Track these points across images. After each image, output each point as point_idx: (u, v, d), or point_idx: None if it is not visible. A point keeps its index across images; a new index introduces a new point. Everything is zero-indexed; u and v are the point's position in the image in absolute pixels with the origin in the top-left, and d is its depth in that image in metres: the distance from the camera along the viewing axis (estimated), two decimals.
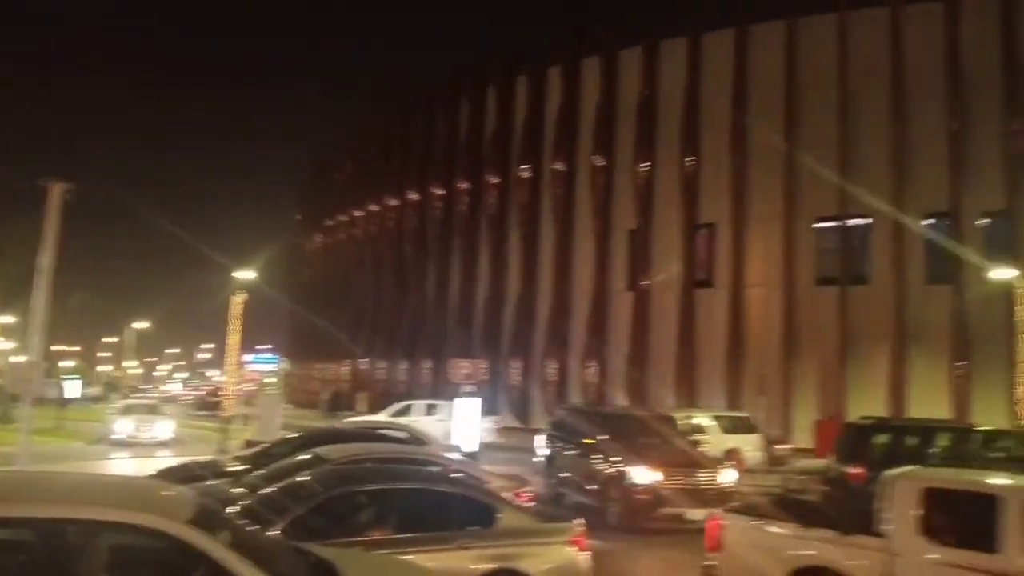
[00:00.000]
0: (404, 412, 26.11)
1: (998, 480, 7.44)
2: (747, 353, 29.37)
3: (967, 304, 26.13)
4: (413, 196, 42.82)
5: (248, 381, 53.75)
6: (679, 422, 18.55)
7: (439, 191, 40.78)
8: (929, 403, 25.38)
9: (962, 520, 6.58)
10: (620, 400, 30.49)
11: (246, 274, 26.72)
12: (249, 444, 15.31)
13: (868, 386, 26.93)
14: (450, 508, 7.17)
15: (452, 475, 8.64)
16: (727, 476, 13.42)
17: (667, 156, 31.90)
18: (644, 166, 32.55)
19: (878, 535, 6.78)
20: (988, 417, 23.18)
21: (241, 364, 51.15)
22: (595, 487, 13.58)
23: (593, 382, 32.56)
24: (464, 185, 38.93)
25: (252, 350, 57.16)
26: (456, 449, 15.28)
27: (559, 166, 35.07)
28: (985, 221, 27.03)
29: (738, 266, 30.04)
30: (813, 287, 28.94)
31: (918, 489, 6.83)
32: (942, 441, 15.18)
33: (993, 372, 24.96)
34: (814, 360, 28.23)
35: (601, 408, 21.84)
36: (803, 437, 26.00)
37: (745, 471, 17.80)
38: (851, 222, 28.60)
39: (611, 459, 13.39)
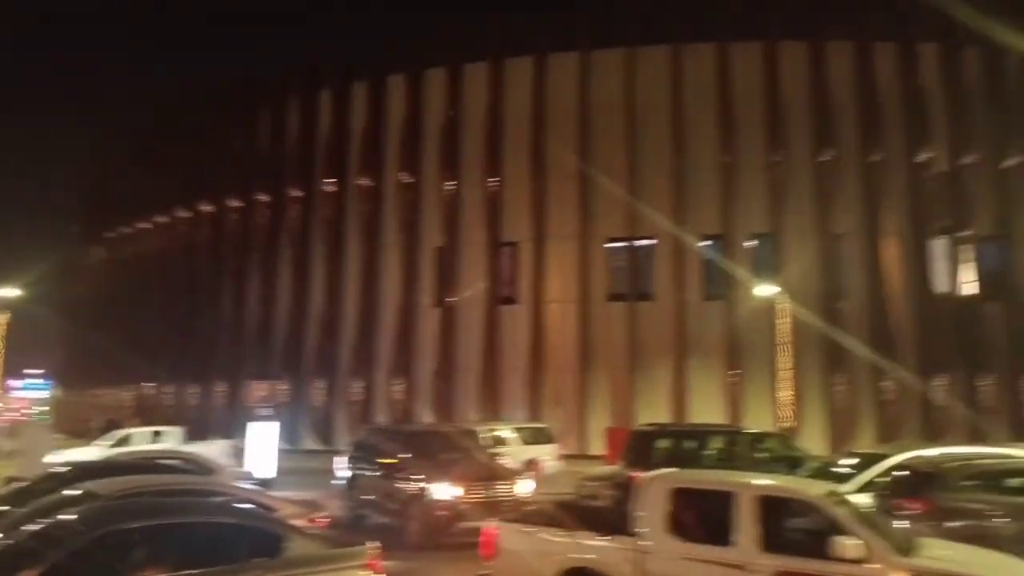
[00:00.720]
0: (125, 441, 21.83)
1: (735, 477, 8.16)
2: (547, 366, 30.56)
3: (738, 318, 28.87)
4: (207, 208, 40.35)
5: (13, 410, 48.08)
6: (482, 435, 18.89)
7: (237, 204, 38.73)
8: (707, 409, 27.84)
9: (705, 517, 7.11)
10: (427, 417, 30.59)
11: (8, 291, 23.96)
12: (11, 480, 13.71)
13: (655, 394, 28.96)
14: (233, 540, 6.80)
15: (236, 505, 8.22)
16: (524, 487, 13.83)
17: (472, 175, 32.59)
18: (450, 184, 33.02)
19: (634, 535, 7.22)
20: (757, 420, 25.80)
21: (6, 391, 45.65)
22: (396, 507, 13.49)
23: (400, 400, 32.36)
24: (264, 198, 37.29)
25: (20, 375, 51.30)
26: (248, 476, 14.56)
27: (365, 181, 34.67)
28: (752, 243, 30.07)
29: (538, 283, 31.23)
30: (605, 303, 30.71)
31: (667, 489, 7.34)
32: (716, 443, 16.60)
33: (760, 379, 27.79)
34: (607, 371, 29.92)
35: (404, 426, 21.77)
36: (598, 445, 27.41)
37: (543, 480, 18.45)
38: (638, 242, 30.73)
39: (412, 477, 13.37)
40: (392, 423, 27.23)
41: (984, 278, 29.99)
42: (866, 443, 25.58)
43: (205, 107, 39.38)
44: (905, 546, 6.57)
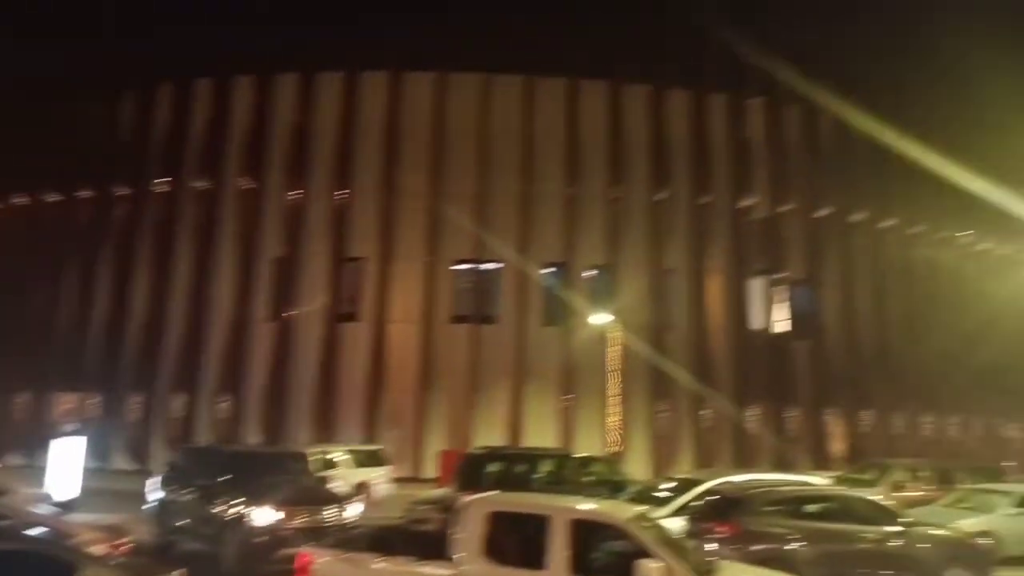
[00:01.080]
0: None
1: (549, 501, 8.36)
2: (386, 387, 30.12)
3: (573, 344, 29.81)
4: (22, 201, 36.68)
5: None
6: (312, 458, 18.28)
7: (56, 198, 35.38)
8: (542, 432, 28.47)
9: (520, 540, 7.23)
10: (254, 437, 29.23)
11: None
12: None
13: (493, 418, 29.26)
14: (19, 568, 6.19)
15: (25, 530, 7.48)
16: (352, 511, 13.50)
17: (319, 186, 31.73)
18: (295, 193, 32.00)
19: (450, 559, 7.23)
20: (588, 444, 26.69)
21: None
22: (211, 532, 12.75)
23: (226, 419, 30.68)
24: (87, 194, 34.38)
25: None
26: (47, 498, 13.28)
27: (202, 183, 32.83)
28: (591, 273, 31.24)
29: (382, 301, 30.81)
30: (448, 324, 30.77)
31: (484, 513, 7.41)
32: (545, 467, 17.00)
33: (592, 404, 28.78)
34: (446, 393, 29.92)
35: (225, 447, 20.65)
36: (433, 468, 27.26)
37: (374, 504, 18.11)
38: (484, 266, 31.11)
39: (230, 501, 12.70)
40: (214, 443, 25.77)
41: (794, 318, 32.82)
42: (685, 468, 27.13)
43: (29, 94, 35.94)
44: (705, 569, 6.97)
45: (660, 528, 7.85)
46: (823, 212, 33.38)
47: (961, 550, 12.11)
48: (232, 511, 12.52)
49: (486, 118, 31.43)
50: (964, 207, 35.17)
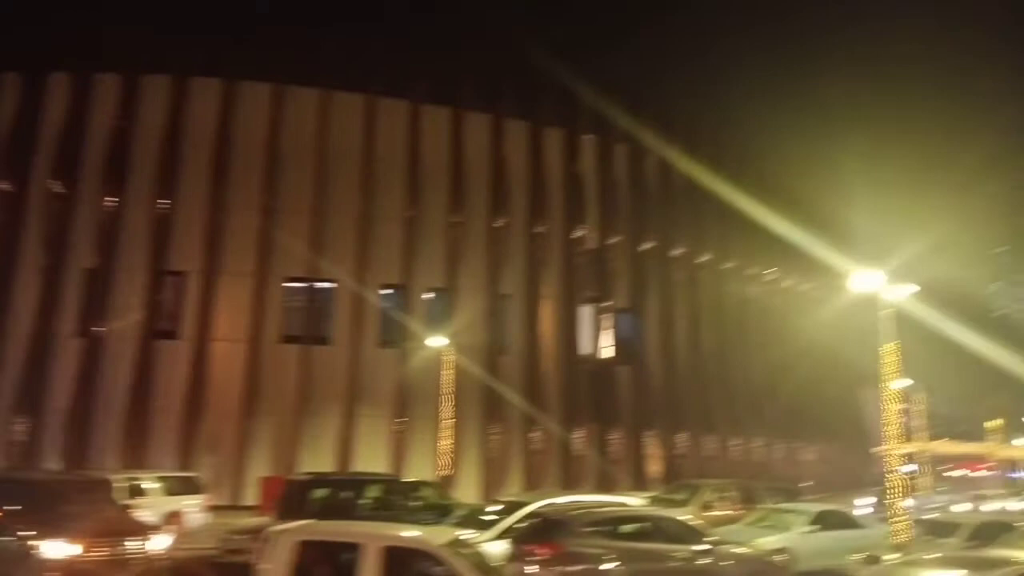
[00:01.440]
0: None
1: (361, 528, 8.28)
2: (205, 409, 28.45)
3: (408, 367, 29.65)
4: None
5: None
6: (117, 485, 16.93)
7: None
8: (373, 457, 28.00)
9: (331, 570, 7.11)
10: (54, 463, 26.63)
11: None
12: None
13: (322, 442, 28.41)
14: None
15: None
16: (159, 542, 12.63)
17: (139, 194, 29.65)
18: (111, 201, 29.75)
19: None
20: (419, 468, 26.57)
21: None
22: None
23: (23, 442, 27.72)
24: None
25: None
26: None
27: (5, 185, 29.79)
28: (429, 295, 31.28)
29: (205, 318, 29.19)
30: (277, 344, 29.66)
31: (293, 542, 7.23)
32: (372, 492, 16.75)
33: (425, 428, 28.66)
34: (273, 417, 28.72)
35: (17, 473, 18.69)
36: (255, 495, 26.02)
37: (185, 534, 17.05)
38: (318, 284, 30.33)
39: (20, 534, 11.52)
40: (4, 469, 23.24)
41: (619, 344, 34.47)
42: (515, 490, 27.60)
43: None
44: None
45: (478, 553, 7.93)
46: (646, 246, 35.44)
47: (759, 567, 13.14)
48: (20, 544, 11.35)
49: (325, 134, 30.83)
50: (770, 246, 38.64)
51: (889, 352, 17.35)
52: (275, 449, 28.32)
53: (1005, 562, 9.50)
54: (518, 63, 32.58)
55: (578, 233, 33.87)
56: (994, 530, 16.47)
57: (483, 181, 32.55)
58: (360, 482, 17.03)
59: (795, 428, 39.70)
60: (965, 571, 8.59)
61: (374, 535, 7.32)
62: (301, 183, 30.12)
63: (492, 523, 14.57)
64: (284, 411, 28.74)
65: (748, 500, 21.49)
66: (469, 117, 32.82)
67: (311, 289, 30.40)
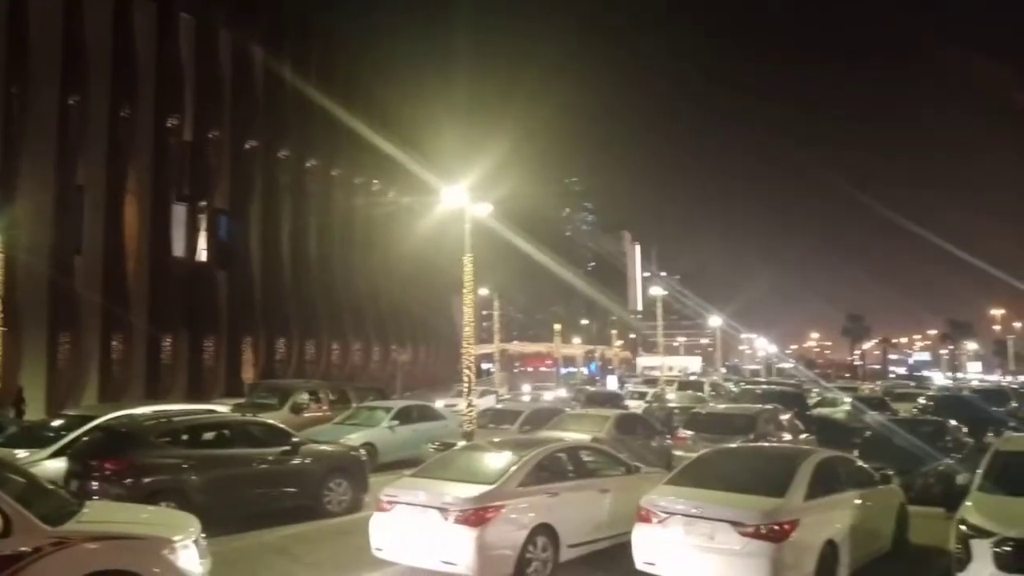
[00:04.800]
0: None
1: None
2: None
3: None
4: None
5: None
6: None
7: None
8: None
9: None
10: None
11: None
12: None
13: None
14: None
15: None
16: None
17: None
18: None
19: None
20: None
21: None
22: None
23: None
24: None
25: None
26: None
27: None
28: None
29: None
30: None
31: None
32: None
33: None
34: None
35: None
36: None
37: None
38: None
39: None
40: None
41: (217, 247, 32.57)
42: (90, 403, 24.82)
43: None
44: (59, 514, 6.37)
45: (26, 474, 6.95)
46: (249, 144, 33.53)
47: (342, 461, 13.73)
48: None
49: None
50: (376, 160, 39.48)
51: (468, 262, 19.01)
52: None
53: (546, 441, 11.20)
54: None
55: (172, 122, 30.44)
56: (544, 416, 19.46)
57: (54, 51, 27.36)
58: None
59: (393, 332, 41.99)
60: (509, 452, 9.91)
61: None
62: None
63: (53, 439, 13.10)
64: None
65: (342, 401, 22.32)
66: None
67: None
